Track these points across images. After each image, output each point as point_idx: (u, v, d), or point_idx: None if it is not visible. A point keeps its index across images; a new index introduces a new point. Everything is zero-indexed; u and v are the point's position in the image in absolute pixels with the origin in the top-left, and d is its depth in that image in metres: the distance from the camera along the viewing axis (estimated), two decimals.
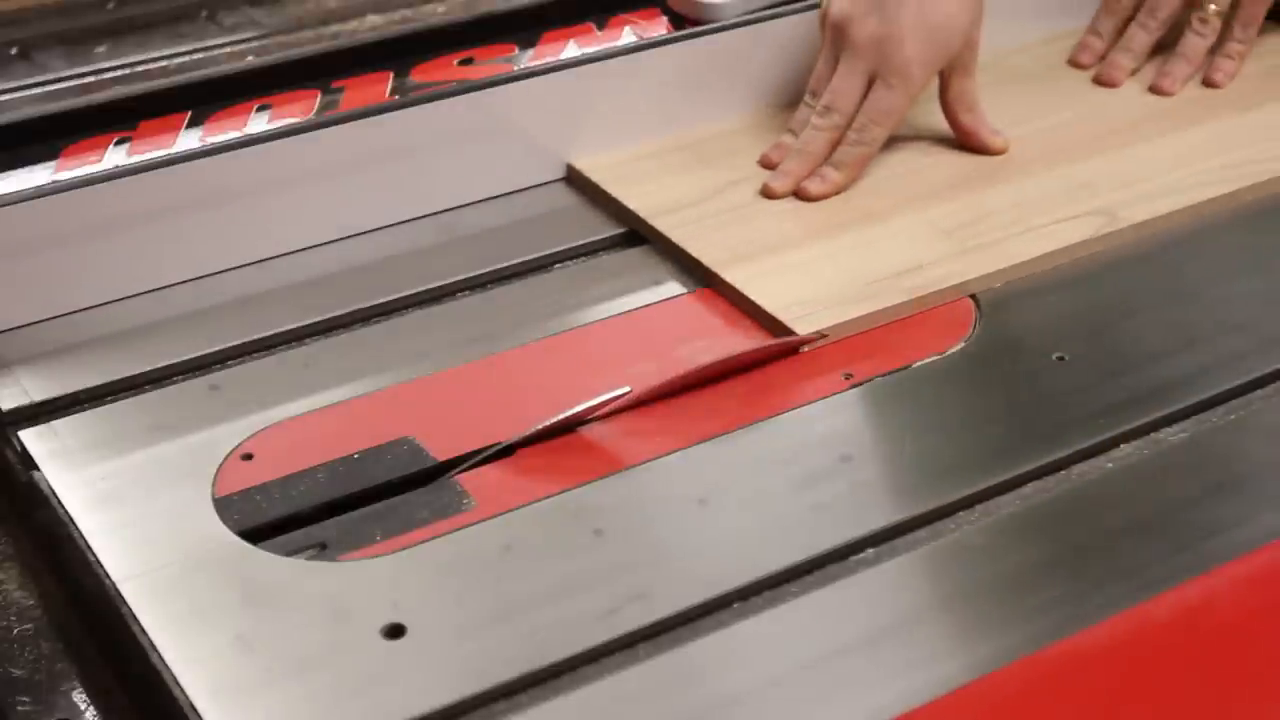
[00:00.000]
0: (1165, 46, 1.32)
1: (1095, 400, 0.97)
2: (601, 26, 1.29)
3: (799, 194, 1.16)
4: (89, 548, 0.87)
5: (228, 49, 1.21)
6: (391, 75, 1.21)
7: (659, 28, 1.28)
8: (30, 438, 0.95)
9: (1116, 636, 0.81)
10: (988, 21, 1.21)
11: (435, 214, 1.15)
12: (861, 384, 0.99)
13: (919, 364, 1.00)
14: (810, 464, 0.93)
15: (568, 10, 1.29)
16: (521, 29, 1.28)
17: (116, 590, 0.84)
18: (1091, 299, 1.06)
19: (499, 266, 1.10)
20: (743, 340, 1.03)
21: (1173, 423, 0.96)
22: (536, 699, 0.79)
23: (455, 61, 1.24)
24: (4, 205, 1.02)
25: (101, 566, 0.85)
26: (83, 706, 0.82)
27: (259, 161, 1.08)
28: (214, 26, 1.24)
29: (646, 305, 1.07)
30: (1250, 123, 1.25)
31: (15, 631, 0.85)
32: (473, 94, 1.14)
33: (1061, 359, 1.00)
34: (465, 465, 0.92)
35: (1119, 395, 0.97)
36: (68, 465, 0.93)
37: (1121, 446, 0.94)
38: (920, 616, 0.83)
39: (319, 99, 1.17)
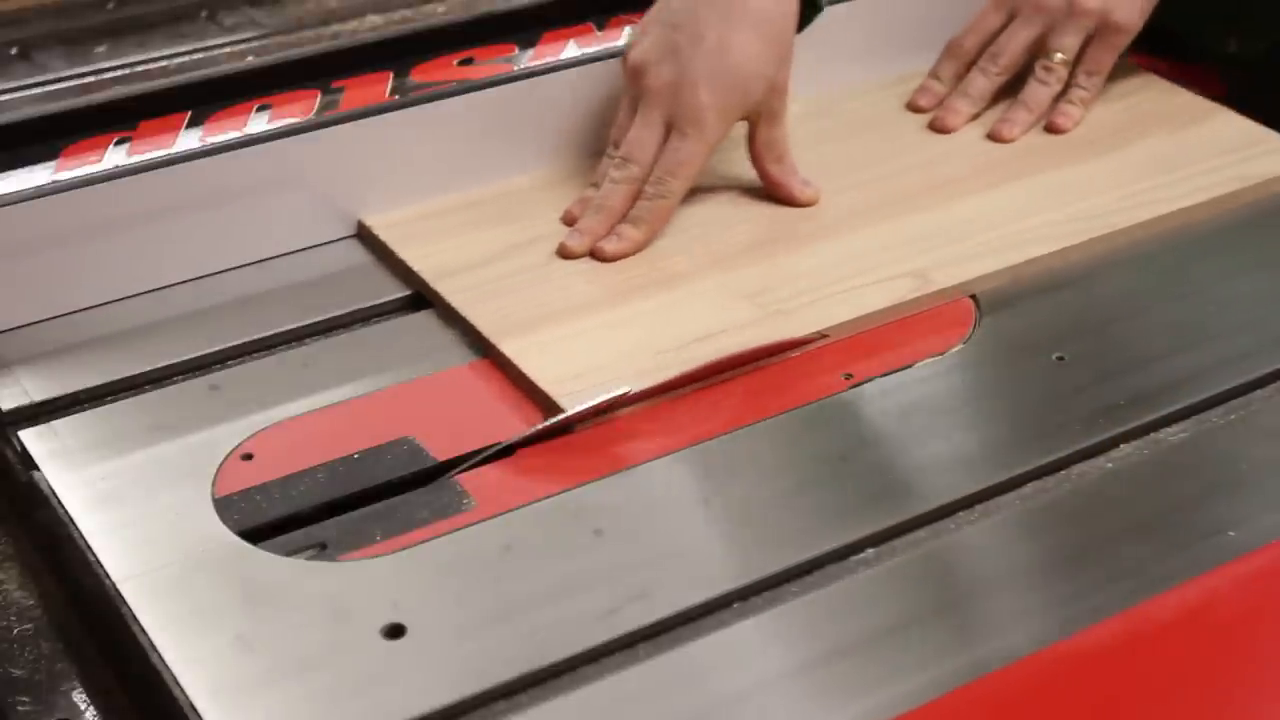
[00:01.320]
0: (1012, 94, 1.26)
1: (1095, 400, 0.97)
2: (601, 27, 1.29)
3: (595, 254, 1.09)
4: (89, 548, 0.87)
5: (228, 49, 1.22)
6: (391, 75, 1.21)
7: None
8: (30, 438, 0.95)
9: (1116, 636, 0.81)
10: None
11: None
12: (861, 384, 0.99)
13: (919, 364, 1.00)
14: (810, 464, 0.93)
15: (568, 10, 1.29)
16: (521, 29, 1.28)
17: (116, 590, 0.84)
18: (1091, 299, 1.06)
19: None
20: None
21: (1173, 423, 0.96)
22: (536, 699, 0.79)
23: (455, 61, 1.24)
24: (4, 205, 1.02)
25: (101, 566, 0.85)
26: (83, 706, 0.82)
27: (259, 161, 1.08)
28: (214, 26, 1.24)
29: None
30: (1091, 173, 1.18)
31: (15, 631, 0.85)
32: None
33: (1061, 359, 1.00)
34: (465, 465, 0.92)
35: (1119, 395, 0.97)
36: (68, 465, 0.93)
37: (1121, 446, 0.94)
38: (920, 616, 0.83)
39: (319, 99, 1.17)
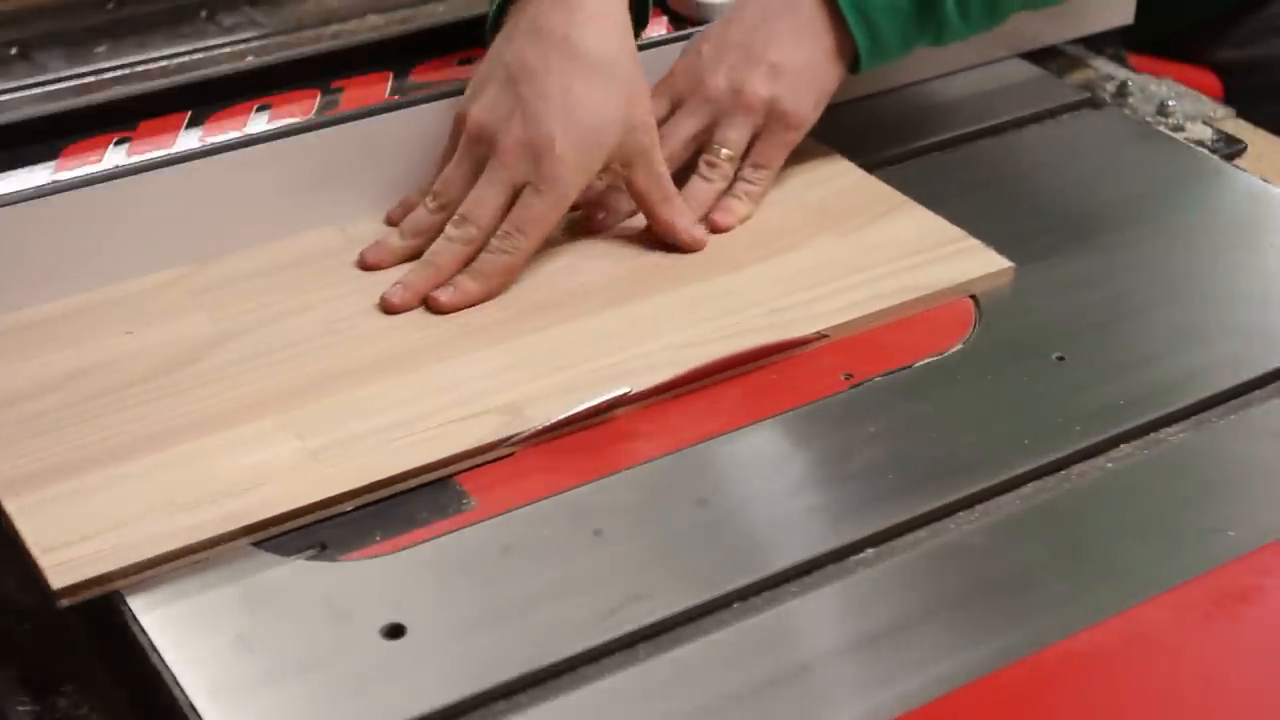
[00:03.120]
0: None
1: (1095, 400, 0.97)
2: None
3: (429, 305, 1.02)
4: None
5: (228, 49, 1.21)
6: (391, 75, 1.21)
7: (659, 27, 1.28)
8: None
9: (1116, 636, 0.81)
10: None
11: None
12: (861, 384, 0.99)
13: (919, 364, 1.00)
14: (810, 464, 0.93)
15: None
16: None
17: (117, 591, 0.84)
18: (1091, 299, 1.06)
19: None
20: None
21: (1173, 423, 0.96)
22: (536, 699, 0.79)
23: (456, 61, 1.24)
24: (4, 205, 1.02)
25: None
26: (83, 706, 0.82)
27: (259, 161, 1.08)
28: (214, 26, 1.24)
29: None
30: (743, 283, 1.06)
31: (15, 631, 0.85)
32: None
33: (1061, 359, 1.00)
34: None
35: (1119, 395, 0.97)
36: None
37: (1121, 446, 0.94)
38: (920, 616, 0.83)
39: (319, 99, 1.17)
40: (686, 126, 1.14)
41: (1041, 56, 1.36)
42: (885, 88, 1.30)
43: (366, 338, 1.01)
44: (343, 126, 1.11)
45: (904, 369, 1.00)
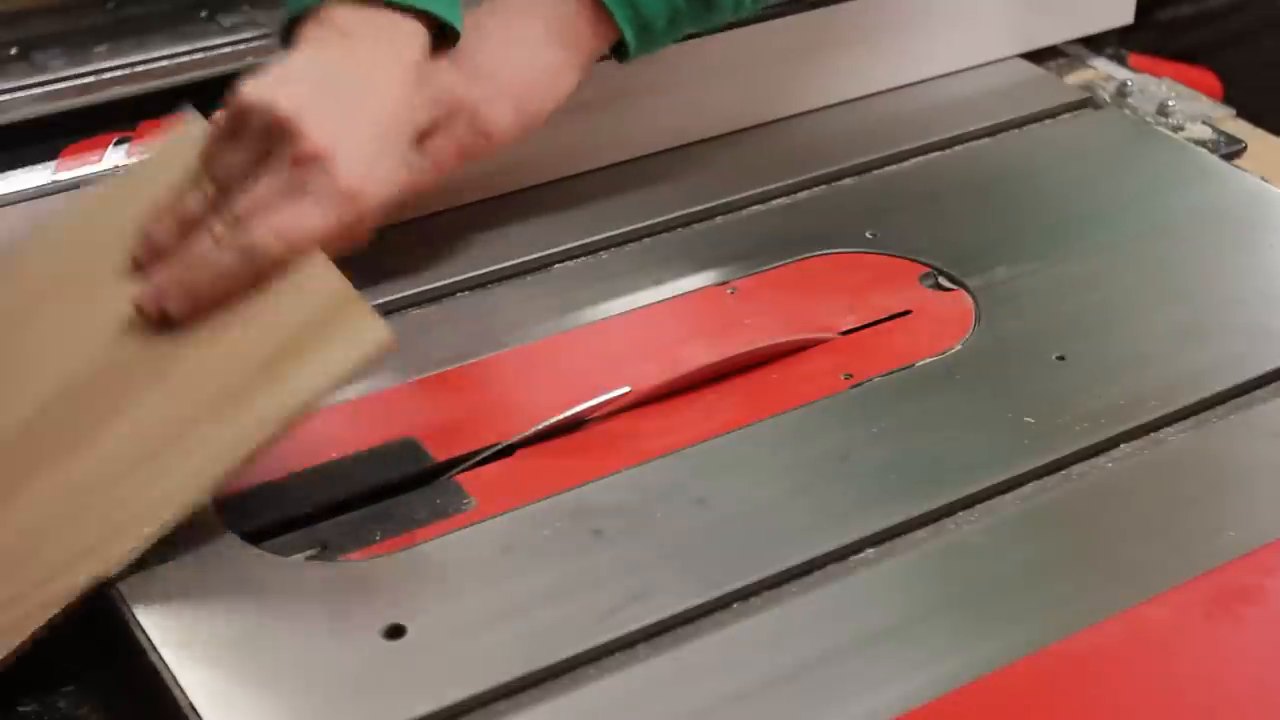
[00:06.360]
0: None
1: (1095, 400, 0.97)
2: None
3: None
4: None
5: (228, 49, 1.21)
6: None
7: None
8: None
9: (1116, 636, 0.82)
10: None
11: None
12: (861, 384, 0.99)
13: (919, 364, 1.00)
14: (810, 464, 0.93)
15: None
16: None
17: (117, 590, 0.84)
18: (1091, 299, 1.06)
19: None
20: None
21: (1173, 422, 0.96)
22: (536, 699, 0.79)
23: None
24: (4, 205, 1.02)
25: None
26: (83, 707, 0.82)
27: None
28: (214, 26, 1.24)
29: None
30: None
31: None
32: None
33: (1061, 359, 1.00)
34: (465, 465, 0.92)
35: (1119, 395, 0.97)
36: None
37: (1121, 446, 0.94)
38: (920, 616, 0.84)
39: None
40: None
41: (1041, 56, 1.36)
42: (885, 88, 1.30)
43: None
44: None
45: (904, 369, 1.00)
